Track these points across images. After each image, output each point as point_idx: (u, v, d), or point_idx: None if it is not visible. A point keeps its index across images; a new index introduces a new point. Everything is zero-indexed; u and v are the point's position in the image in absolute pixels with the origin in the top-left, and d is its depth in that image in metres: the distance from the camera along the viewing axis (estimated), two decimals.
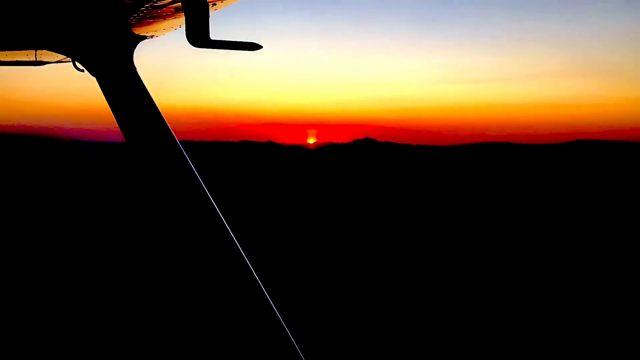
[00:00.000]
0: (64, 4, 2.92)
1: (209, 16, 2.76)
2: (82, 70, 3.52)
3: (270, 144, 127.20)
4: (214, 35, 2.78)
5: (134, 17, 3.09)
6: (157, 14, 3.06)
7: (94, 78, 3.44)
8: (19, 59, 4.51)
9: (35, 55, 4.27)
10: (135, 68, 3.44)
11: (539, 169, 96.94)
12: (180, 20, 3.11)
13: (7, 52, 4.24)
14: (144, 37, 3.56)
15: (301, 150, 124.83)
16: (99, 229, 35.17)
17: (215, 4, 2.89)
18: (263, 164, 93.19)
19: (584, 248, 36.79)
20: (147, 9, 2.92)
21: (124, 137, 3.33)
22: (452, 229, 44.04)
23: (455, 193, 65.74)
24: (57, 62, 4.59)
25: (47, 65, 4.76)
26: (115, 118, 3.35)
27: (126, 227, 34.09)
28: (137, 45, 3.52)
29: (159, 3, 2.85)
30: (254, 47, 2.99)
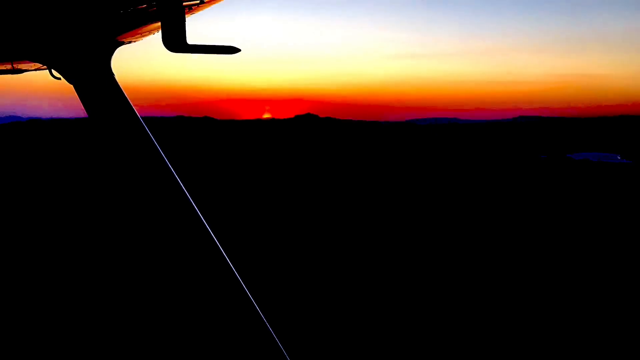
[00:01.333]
0: (39, 14, 2.91)
1: (185, 21, 2.83)
2: (59, 79, 3.40)
3: (206, 119, 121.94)
4: (191, 39, 2.85)
5: (112, 24, 3.13)
6: (135, 20, 3.08)
7: (71, 85, 3.38)
8: None
9: (12, 63, 4.11)
10: (113, 75, 3.35)
11: (479, 145, 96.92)
12: (158, 25, 3.10)
13: None
14: (122, 43, 3.49)
15: (240, 125, 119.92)
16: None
17: (191, 9, 2.98)
18: (200, 139, 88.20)
19: (538, 219, 35.67)
20: (125, 15, 2.97)
21: (103, 145, 3.28)
22: (396, 202, 42.43)
23: (396, 168, 64.16)
24: (36, 69, 4.40)
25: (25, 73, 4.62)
26: (94, 126, 3.25)
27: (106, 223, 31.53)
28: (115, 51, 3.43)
29: (137, 8, 2.90)
30: (232, 50, 3.02)
